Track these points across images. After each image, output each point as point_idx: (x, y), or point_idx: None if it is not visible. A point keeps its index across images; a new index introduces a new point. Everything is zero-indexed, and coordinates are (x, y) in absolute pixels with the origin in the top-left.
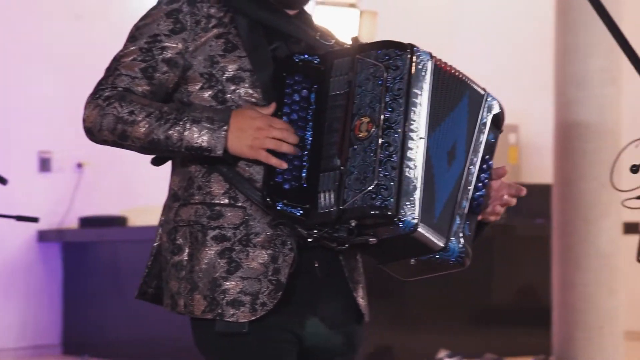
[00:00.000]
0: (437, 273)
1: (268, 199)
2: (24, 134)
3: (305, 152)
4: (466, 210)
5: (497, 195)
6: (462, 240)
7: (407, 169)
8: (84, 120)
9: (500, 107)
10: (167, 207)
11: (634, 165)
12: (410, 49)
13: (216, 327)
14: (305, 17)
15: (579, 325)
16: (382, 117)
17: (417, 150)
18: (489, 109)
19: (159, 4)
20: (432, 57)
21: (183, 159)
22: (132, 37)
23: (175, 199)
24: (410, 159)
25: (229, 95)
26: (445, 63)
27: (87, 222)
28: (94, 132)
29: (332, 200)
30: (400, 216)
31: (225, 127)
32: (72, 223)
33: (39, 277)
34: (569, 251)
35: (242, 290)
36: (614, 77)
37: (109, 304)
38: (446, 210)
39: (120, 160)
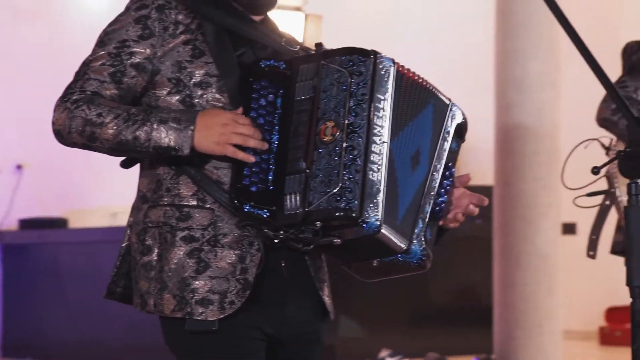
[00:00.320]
0: (399, 275)
1: (236, 201)
2: None
3: (272, 156)
4: (428, 215)
5: (458, 202)
6: (424, 243)
7: (371, 172)
8: (53, 123)
9: (464, 117)
10: (135, 209)
11: (594, 167)
12: (373, 55)
13: (186, 325)
14: (270, 23)
15: (519, 324)
16: (346, 121)
17: (381, 154)
18: (453, 118)
19: (127, 10)
20: (394, 63)
21: (151, 161)
22: (101, 42)
23: (144, 200)
24: (373, 162)
25: (196, 100)
26: (409, 70)
27: (27, 224)
28: (63, 135)
29: (298, 202)
30: (364, 218)
31: (191, 127)
32: (12, 225)
33: None
34: (509, 251)
35: (211, 289)
36: (552, 80)
37: (50, 306)
38: (409, 214)
39: (60, 162)
